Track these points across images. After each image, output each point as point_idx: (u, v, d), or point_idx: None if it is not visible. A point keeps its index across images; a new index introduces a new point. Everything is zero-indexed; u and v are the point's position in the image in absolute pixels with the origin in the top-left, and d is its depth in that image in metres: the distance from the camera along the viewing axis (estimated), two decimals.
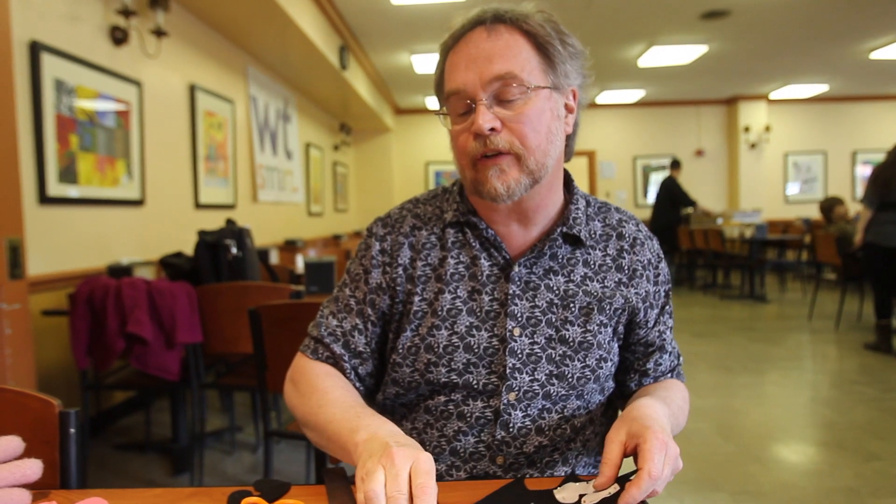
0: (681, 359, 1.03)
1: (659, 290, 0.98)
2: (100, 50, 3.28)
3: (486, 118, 0.82)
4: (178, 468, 2.75)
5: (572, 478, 0.74)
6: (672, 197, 8.23)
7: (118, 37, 3.37)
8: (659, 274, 0.99)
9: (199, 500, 0.75)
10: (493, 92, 0.84)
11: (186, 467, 2.74)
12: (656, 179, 10.37)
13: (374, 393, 1.01)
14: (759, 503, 2.31)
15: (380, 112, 8.62)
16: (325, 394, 0.86)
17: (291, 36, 4.82)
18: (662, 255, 1.01)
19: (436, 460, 0.92)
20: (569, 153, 0.96)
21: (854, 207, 7.07)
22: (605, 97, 9.70)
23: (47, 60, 2.85)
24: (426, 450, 0.92)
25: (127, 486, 2.58)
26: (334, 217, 8.85)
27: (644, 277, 0.96)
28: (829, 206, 6.17)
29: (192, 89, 4.34)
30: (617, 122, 10.46)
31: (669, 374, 1.00)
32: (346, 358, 0.96)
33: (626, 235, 0.97)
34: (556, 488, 0.73)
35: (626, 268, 0.95)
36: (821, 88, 9.50)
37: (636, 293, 0.95)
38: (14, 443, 0.76)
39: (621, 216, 0.99)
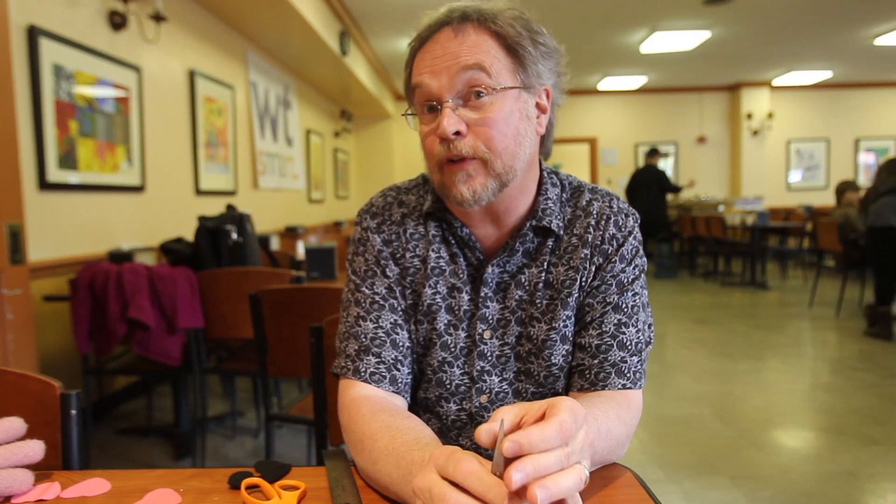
0: (642, 354, 0.88)
1: (615, 264, 0.88)
2: (98, 35, 3.26)
3: (450, 121, 0.80)
4: (181, 453, 2.77)
5: None
6: (662, 185, 8.09)
7: (117, 22, 3.35)
8: (621, 248, 0.89)
9: (200, 481, 0.75)
10: (459, 94, 0.81)
11: (189, 452, 2.76)
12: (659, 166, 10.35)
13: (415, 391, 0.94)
14: (759, 487, 2.32)
15: (380, 98, 8.58)
16: (374, 443, 0.73)
17: (291, 21, 4.79)
18: (635, 233, 0.91)
19: None
20: (545, 152, 0.94)
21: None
22: (607, 83, 9.64)
23: (45, 45, 2.83)
24: None
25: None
26: (335, 204, 8.84)
27: (600, 251, 0.89)
28: (843, 189, 6.07)
29: (192, 75, 4.31)
30: (619, 109, 10.41)
31: (611, 371, 0.86)
32: (401, 363, 0.89)
33: (594, 212, 0.90)
34: None
35: (590, 242, 0.89)
36: (824, 75, 9.43)
37: (590, 270, 0.89)
38: (16, 424, 0.76)
39: (593, 196, 0.93)
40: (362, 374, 0.87)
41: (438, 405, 0.91)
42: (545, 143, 0.92)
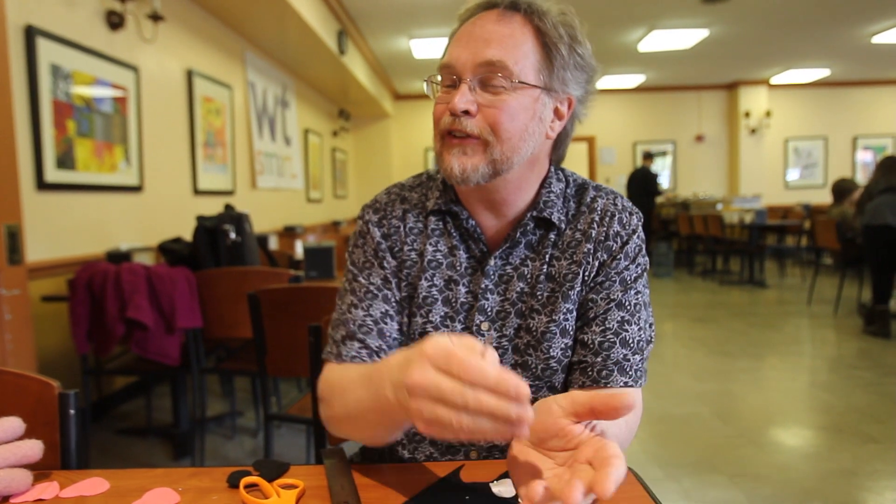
0: (644, 352, 0.88)
1: (619, 262, 0.89)
2: (96, 35, 3.25)
3: (463, 99, 0.82)
4: (180, 453, 2.77)
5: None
6: (647, 186, 8.55)
7: (114, 21, 3.34)
8: (625, 246, 0.90)
9: (199, 480, 0.75)
10: (479, 76, 0.83)
11: (188, 452, 2.76)
12: (657, 164, 10.35)
13: None
14: (758, 485, 2.32)
15: (379, 98, 8.58)
16: (343, 388, 0.79)
17: (289, 20, 4.78)
18: (639, 232, 0.92)
19: (415, 449, 0.93)
20: (557, 158, 0.95)
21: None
22: (605, 82, 9.64)
23: (43, 45, 2.82)
24: (407, 437, 0.93)
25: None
26: (333, 203, 8.84)
27: (604, 248, 0.90)
28: (840, 187, 5.91)
29: (190, 75, 4.31)
30: (617, 108, 10.41)
31: (614, 369, 0.86)
32: (384, 352, 0.89)
33: (598, 209, 0.92)
34: (493, 482, 0.72)
35: (593, 237, 0.90)
36: (822, 73, 9.44)
37: (593, 265, 0.89)
38: (15, 424, 0.76)
39: (597, 193, 0.94)
40: (343, 357, 0.89)
41: None
42: (558, 149, 0.94)
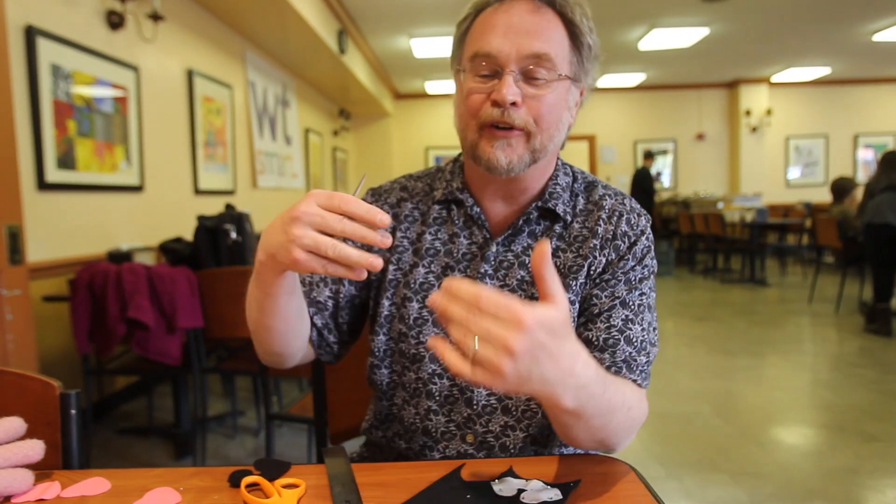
0: (649, 355, 0.88)
1: (626, 262, 0.89)
2: (96, 34, 3.25)
3: (511, 90, 0.82)
4: (181, 452, 2.77)
5: (511, 473, 0.73)
6: (643, 185, 8.56)
7: (114, 21, 3.34)
8: (633, 247, 0.90)
9: (200, 479, 0.75)
10: (523, 67, 0.83)
11: (189, 451, 2.76)
12: (658, 163, 10.35)
13: (334, 352, 0.99)
14: (759, 484, 2.32)
15: (379, 97, 8.57)
16: (247, 308, 0.90)
17: (289, 20, 4.78)
18: (647, 233, 0.92)
19: (410, 439, 0.94)
20: (561, 143, 0.97)
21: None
22: (606, 81, 9.63)
23: (43, 45, 2.82)
24: (403, 428, 0.94)
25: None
26: None
27: (612, 246, 0.90)
28: (840, 186, 5.88)
29: (190, 74, 4.31)
30: (617, 106, 10.40)
31: (623, 367, 0.86)
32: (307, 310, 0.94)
33: (606, 207, 0.93)
34: (494, 480, 0.72)
35: (600, 235, 0.90)
36: (823, 71, 9.43)
37: (599, 260, 0.90)
38: (16, 424, 0.76)
39: (606, 192, 0.95)
40: None
41: (431, 382, 0.92)
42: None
